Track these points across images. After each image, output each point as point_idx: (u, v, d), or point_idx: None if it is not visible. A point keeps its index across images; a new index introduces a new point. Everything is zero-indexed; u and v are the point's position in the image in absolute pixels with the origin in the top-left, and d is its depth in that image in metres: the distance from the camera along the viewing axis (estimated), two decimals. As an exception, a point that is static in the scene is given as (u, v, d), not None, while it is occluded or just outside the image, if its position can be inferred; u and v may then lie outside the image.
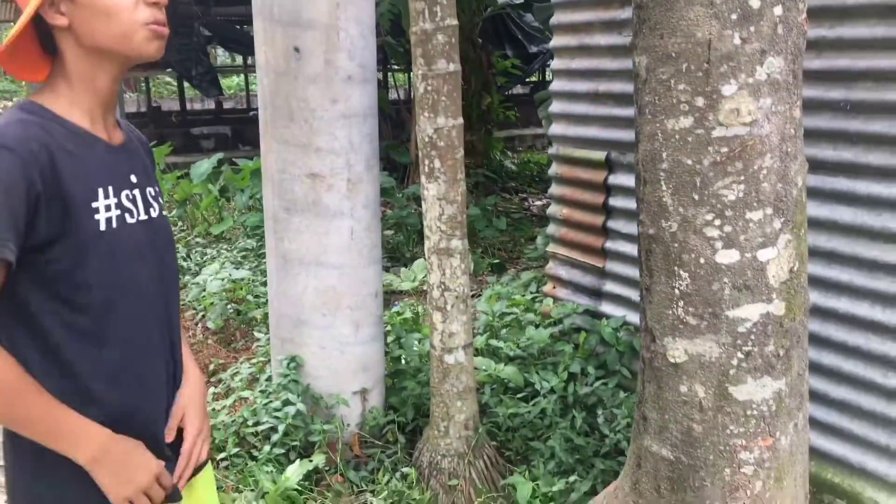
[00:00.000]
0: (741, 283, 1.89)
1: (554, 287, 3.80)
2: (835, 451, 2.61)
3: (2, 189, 1.13)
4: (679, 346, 1.99)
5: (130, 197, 1.35)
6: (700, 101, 1.83)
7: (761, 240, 1.87)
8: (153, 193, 1.43)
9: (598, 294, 3.51)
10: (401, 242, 6.30)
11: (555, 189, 3.74)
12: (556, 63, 3.62)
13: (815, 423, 2.63)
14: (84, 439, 1.24)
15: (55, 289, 1.23)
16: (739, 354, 1.92)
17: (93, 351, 1.28)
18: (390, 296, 5.08)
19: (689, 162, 1.88)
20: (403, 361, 3.52)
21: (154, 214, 1.42)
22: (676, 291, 1.97)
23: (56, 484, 1.28)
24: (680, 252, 1.94)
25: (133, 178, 1.38)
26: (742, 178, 1.84)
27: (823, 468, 2.65)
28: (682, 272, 1.94)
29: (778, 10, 1.79)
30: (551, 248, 3.80)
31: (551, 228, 3.80)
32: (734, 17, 1.77)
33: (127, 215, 1.33)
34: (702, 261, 1.91)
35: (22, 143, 1.17)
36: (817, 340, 2.58)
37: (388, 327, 3.72)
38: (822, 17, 2.48)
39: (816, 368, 2.60)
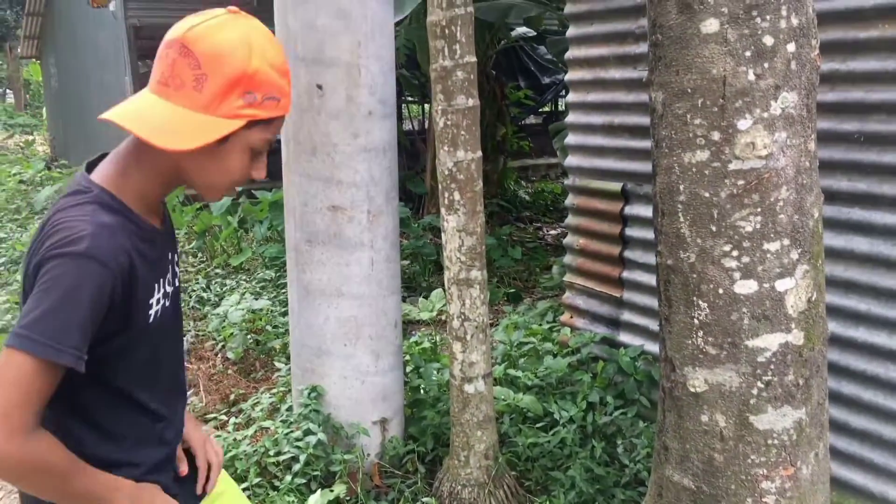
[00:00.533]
0: (760, 312, 1.92)
1: (571, 317, 3.82)
2: (856, 480, 2.61)
3: (89, 303, 1.17)
4: (699, 375, 2.01)
5: (169, 280, 1.42)
6: (716, 136, 1.88)
7: (779, 270, 1.90)
8: (176, 259, 1.49)
9: (615, 323, 3.54)
10: (417, 272, 6.35)
11: (571, 220, 3.78)
12: (571, 96, 3.69)
13: (835, 453, 2.63)
14: (118, 494, 1.32)
15: (100, 374, 1.29)
16: (759, 384, 1.94)
17: (132, 420, 1.39)
18: (408, 326, 5.12)
19: (707, 194, 1.92)
20: (422, 391, 3.54)
21: (177, 283, 1.48)
22: (696, 321, 2.00)
23: None
24: (698, 282, 1.97)
25: (170, 255, 1.44)
26: (759, 209, 1.88)
27: (845, 498, 2.64)
28: (700, 302, 1.97)
29: (791, 47, 1.84)
30: (568, 277, 3.83)
31: (568, 258, 3.84)
32: (748, 54, 1.82)
33: (165, 300, 1.40)
34: (720, 291, 1.94)
35: (113, 257, 1.20)
36: (836, 370, 2.60)
37: (407, 357, 3.75)
38: (835, 52, 2.53)
39: (836, 398, 2.61)
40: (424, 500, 2.96)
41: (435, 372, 3.63)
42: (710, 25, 1.83)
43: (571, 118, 3.70)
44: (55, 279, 1.16)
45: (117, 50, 9.69)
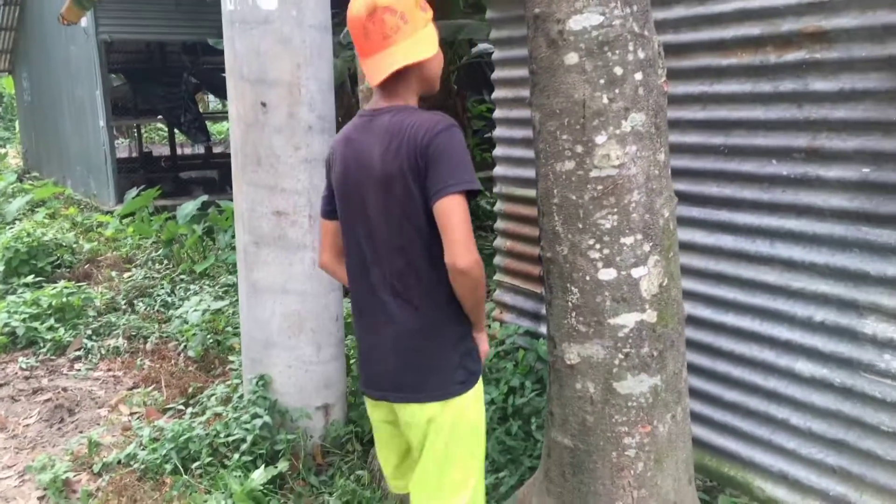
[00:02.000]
0: (619, 296, 2.29)
1: (501, 312, 4.19)
2: (729, 447, 2.99)
3: (465, 149, 1.91)
4: (573, 349, 2.38)
5: None
6: (579, 148, 2.26)
7: (633, 260, 2.28)
8: None
9: (537, 317, 3.91)
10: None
11: (500, 224, 4.16)
12: (497, 112, 4.07)
13: (712, 423, 3.02)
14: (484, 319, 2.11)
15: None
16: (620, 356, 2.31)
17: None
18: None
19: (574, 197, 2.29)
20: (364, 380, 3.88)
21: None
22: (570, 304, 2.37)
23: (465, 351, 2.10)
24: (570, 271, 2.35)
25: None
26: (615, 210, 2.26)
27: (721, 463, 3.02)
28: (573, 288, 2.35)
29: (638, 76, 2.23)
30: (498, 276, 4.20)
31: (498, 259, 4.21)
32: (602, 81, 2.20)
33: None
34: (587, 278, 2.31)
35: None
36: (711, 350, 2.98)
37: (351, 350, 4.10)
38: (704, 76, 2.93)
39: (711, 375, 3.00)
40: (358, 472, 3.30)
41: (376, 363, 3.97)
42: (572, 58, 2.21)
43: (498, 132, 4.08)
44: (447, 146, 1.88)
45: (89, 64, 9.95)
